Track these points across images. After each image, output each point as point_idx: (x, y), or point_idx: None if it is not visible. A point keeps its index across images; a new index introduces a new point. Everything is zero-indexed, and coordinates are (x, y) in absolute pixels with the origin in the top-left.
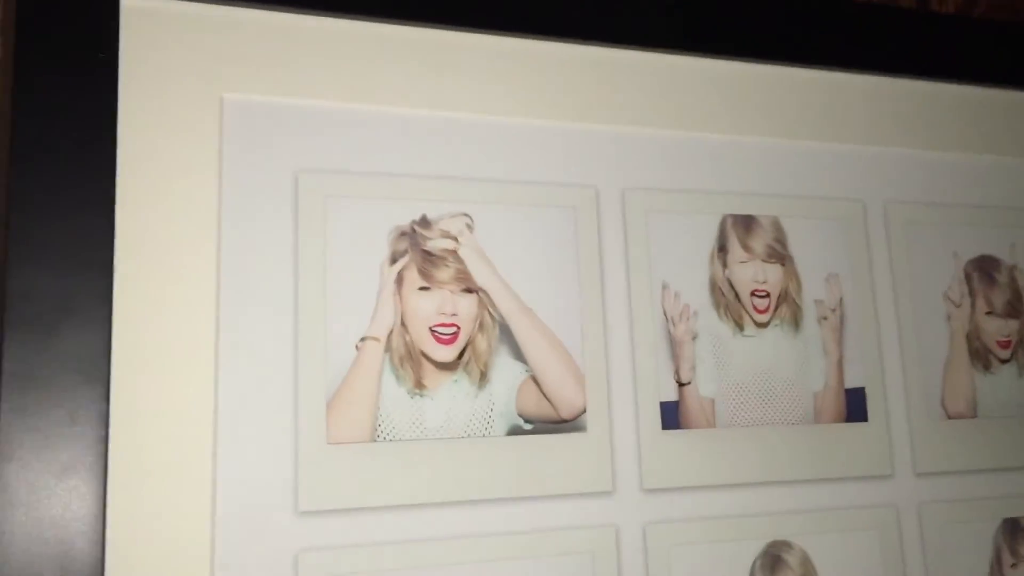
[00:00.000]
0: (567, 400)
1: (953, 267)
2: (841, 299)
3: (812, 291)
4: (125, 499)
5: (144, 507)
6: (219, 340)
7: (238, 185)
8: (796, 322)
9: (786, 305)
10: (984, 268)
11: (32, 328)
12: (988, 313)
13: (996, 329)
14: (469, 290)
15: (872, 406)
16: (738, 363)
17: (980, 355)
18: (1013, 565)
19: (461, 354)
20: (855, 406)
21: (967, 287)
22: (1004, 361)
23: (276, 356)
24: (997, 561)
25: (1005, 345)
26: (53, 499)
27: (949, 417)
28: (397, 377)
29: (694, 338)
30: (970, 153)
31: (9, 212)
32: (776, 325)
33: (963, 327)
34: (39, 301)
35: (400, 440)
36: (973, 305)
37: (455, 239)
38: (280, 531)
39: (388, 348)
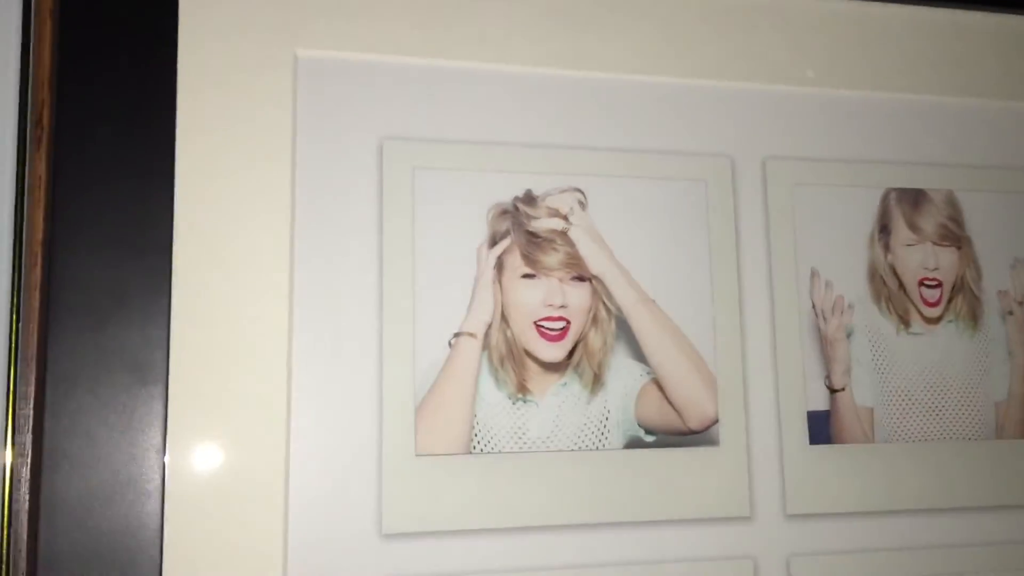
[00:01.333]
0: (696, 408)
1: None
2: None
3: (995, 280)
4: (184, 517)
5: (207, 526)
6: (292, 336)
7: (314, 156)
8: (974, 317)
9: (962, 297)
10: None
11: (81, 321)
12: None
13: None
14: (581, 278)
15: None
16: (902, 366)
17: None
18: None
19: (571, 353)
20: None
21: None
22: None
23: (358, 355)
24: None
25: None
26: (108, 513)
27: None
28: (496, 379)
29: (849, 335)
30: None
31: (55, 188)
32: (950, 321)
33: None
34: (89, 290)
35: (499, 452)
36: None
37: (565, 218)
38: (361, 557)
39: (486, 346)
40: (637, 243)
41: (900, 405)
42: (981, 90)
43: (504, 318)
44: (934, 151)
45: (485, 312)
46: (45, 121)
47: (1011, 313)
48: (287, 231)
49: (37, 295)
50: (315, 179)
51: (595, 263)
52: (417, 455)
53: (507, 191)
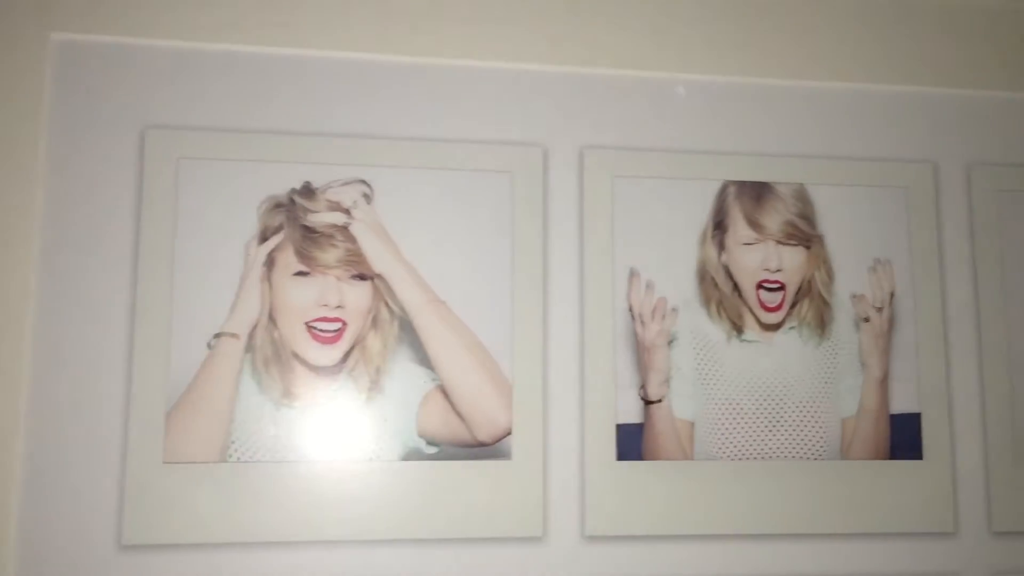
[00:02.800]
0: (486, 418)
1: None
2: (892, 294)
3: (849, 283)
4: None
5: None
6: (33, 336)
7: (68, 145)
8: (822, 324)
9: (809, 301)
10: None
11: None
12: None
13: None
14: (362, 276)
15: (931, 439)
16: (732, 376)
17: None
18: None
19: (347, 356)
20: (904, 438)
21: None
22: None
23: (106, 355)
24: None
25: None
26: None
27: None
28: (260, 384)
29: (671, 342)
30: None
31: None
32: (792, 328)
33: None
34: None
35: (259, 462)
36: None
37: (346, 212)
38: (98, 570)
39: (250, 348)
40: (430, 240)
41: (727, 419)
42: (838, 73)
43: (272, 318)
44: (782, 141)
45: (250, 312)
46: None
47: (867, 320)
48: (33, 224)
49: None
50: (68, 169)
51: (378, 261)
52: (165, 463)
53: (283, 183)
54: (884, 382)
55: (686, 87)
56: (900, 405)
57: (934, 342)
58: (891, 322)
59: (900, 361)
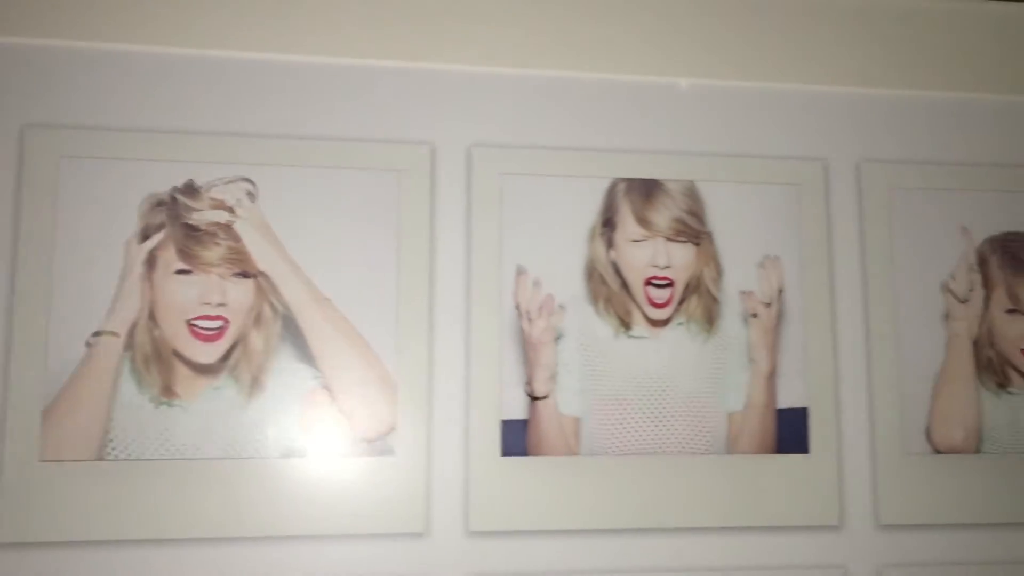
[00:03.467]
0: (369, 415)
1: (961, 248)
2: (780, 291)
3: (738, 280)
4: None
5: None
6: None
7: None
8: (710, 320)
9: (697, 297)
10: (1010, 249)
11: None
12: (1012, 311)
13: (1022, 334)
14: (245, 274)
15: (817, 433)
16: (620, 372)
17: (993, 368)
18: None
19: (228, 354)
20: (791, 432)
21: (980, 275)
22: None
23: None
24: None
25: None
26: None
27: (937, 451)
28: (139, 382)
29: (558, 339)
30: (990, 93)
31: None
32: (680, 324)
33: (969, 330)
34: None
35: (137, 459)
36: (988, 300)
37: (230, 210)
38: None
39: (130, 345)
40: (315, 238)
41: (614, 415)
42: (728, 71)
43: (152, 317)
44: (673, 138)
45: (130, 310)
46: None
47: (755, 316)
48: None
49: None
50: None
51: (262, 259)
52: (42, 461)
53: (165, 181)
54: (772, 377)
55: (576, 87)
56: (787, 400)
57: (822, 337)
58: (779, 318)
59: (788, 356)
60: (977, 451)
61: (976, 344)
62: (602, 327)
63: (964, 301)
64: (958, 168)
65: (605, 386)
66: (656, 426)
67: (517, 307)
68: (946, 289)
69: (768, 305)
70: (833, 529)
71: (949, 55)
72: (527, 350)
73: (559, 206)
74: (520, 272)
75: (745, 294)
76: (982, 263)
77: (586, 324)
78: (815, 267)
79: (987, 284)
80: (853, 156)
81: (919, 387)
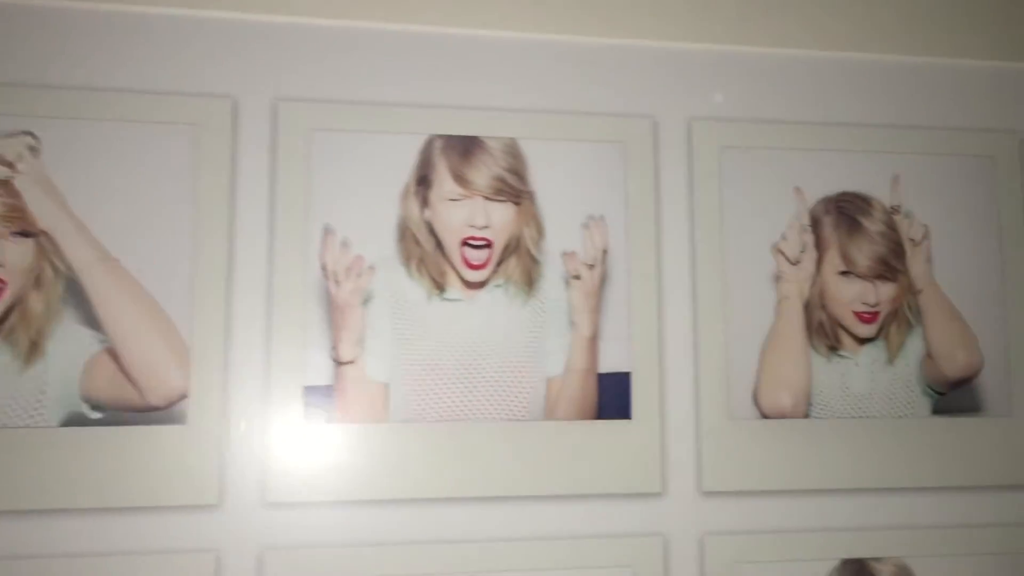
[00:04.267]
0: (158, 381)
1: (793, 208)
2: (605, 252)
3: (560, 240)
4: None
5: None
6: None
7: None
8: (530, 282)
9: (516, 259)
10: (845, 210)
11: None
12: (844, 273)
13: (856, 295)
14: (25, 233)
15: (640, 398)
16: (432, 336)
17: (825, 331)
18: None
19: (4, 318)
20: (613, 398)
21: (813, 236)
22: (864, 341)
23: None
24: None
25: (868, 318)
26: None
27: (764, 416)
28: None
29: (366, 302)
30: (821, 51)
31: None
32: (497, 286)
33: (800, 292)
34: None
35: None
36: (820, 262)
37: (10, 166)
38: None
39: None
40: (104, 195)
41: (426, 380)
42: (553, 26)
43: None
44: (493, 94)
45: None
46: None
47: (578, 278)
48: None
49: None
50: None
51: (44, 217)
52: None
53: None
54: (593, 341)
55: (388, 40)
56: (610, 364)
57: (647, 300)
58: (603, 280)
59: (611, 319)
60: (806, 416)
61: (807, 307)
62: (414, 289)
63: (795, 263)
64: (791, 127)
65: (417, 351)
66: (471, 392)
67: (324, 268)
68: (777, 251)
69: (591, 267)
70: (655, 496)
71: (779, 10)
72: (333, 313)
73: (371, 163)
74: (328, 232)
75: (567, 255)
76: (815, 224)
77: (397, 286)
78: (641, 228)
79: (820, 245)
80: (683, 113)
81: (747, 351)
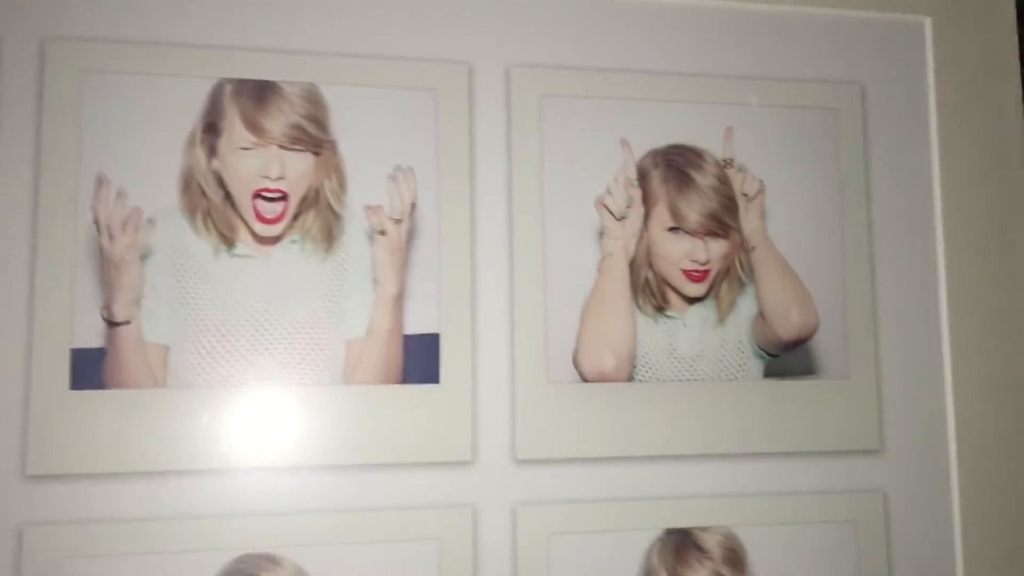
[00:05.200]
0: None
1: (619, 161)
2: (413, 205)
3: (364, 193)
4: None
5: None
6: None
7: None
8: (329, 237)
9: (315, 213)
10: (674, 163)
11: None
12: (673, 230)
13: (685, 253)
14: None
15: (450, 361)
16: (220, 295)
17: (651, 290)
18: None
19: None
20: (421, 361)
21: (640, 191)
22: (693, 300)
23: None
24: None
25: (698, 277)
26: None
27: (585, 379)
28: None
29: (144, 257)
30: None
31: None
32: (293, 242)
33: (626, 249)
34: None
35: None
36: (647, 218)
37: None
38: None
39: None
40: None
41: (211, 343)
42: None
43: None
44: (291, 36)
45: None
46: None
47: (383, 233)
48: None
49: None
50: None
51: None
52: None
53: None
54: (399, 300)
55: None
56: (417, 325)
57: (459, 257)
58: (411, 235)
59: (419, 278)
60: (630, 379)
61: (633, 265)
62: (200, 244)
63: (621, 218)
64: (618, 75)
65: (201, 310)
66: (261, 355)
67: (96, 221)
68: (601, 205)
69: (398, 221)
70: (464, 465)
71: None
72: (107, 269)
73: (152, 108)
74: (101, 181)
75: (371, 209)
76: (642, 177)
77: (180, 241)
78: (454, 180)
79: (647, 200)
80: (501, 60)
81: (567, 311)
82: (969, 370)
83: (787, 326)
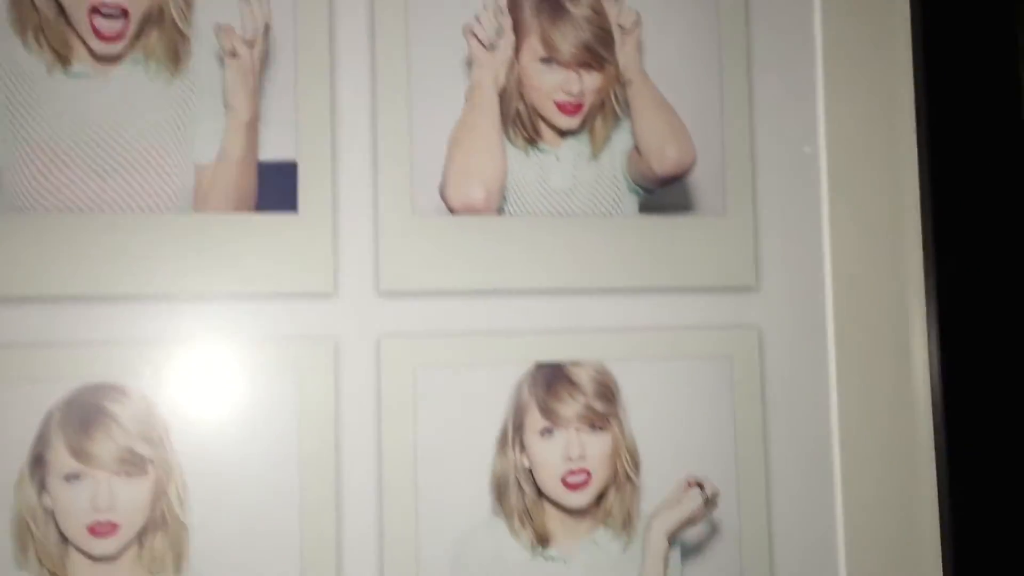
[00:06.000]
0: None
1: None
2: (268, 27)
3: (213, 12)
4: None
5: None
6: None
7: None
8: (175, 59)
9: (159, 31)
10: None
11: None
12: (545, 60)
13: (557, 84)
14: None
15: (309, 191)
16: (55, 116)
17: (523, 122)
18: (546, 431)
19: None
20: (277, 190)
21: (511, 19)
22: (566, 133)
23: None
24: (516, 425)
25: (571, 110)
26: None
27: (453, 211)
28: None
29: None
30: None
31: None
32: (136, 62)
33: (495, 79)
34: None
35: None
36: (518, 48)
37: None
38: None
39: None
40: None
41: (45, 167)
42: None
43: None
44: None
45: None
46: None
47: (234, 55)
48: None
49: None
50: None
51: None
52: None
53: None
54: (252, 125)
55: None
56: (272, 152)
57: (317, 82)
58: (265, 58)
59: (275, 103)
60: (500, 212)
61: (503, 95)
62: (32, 62)
63: (490, 47)
64: None
65: (35, 133)
66: (102, 180)
67: None
68: (469, 33)
69: (251, 43)
70: (325, 296)
71: None
72: None
73: None
74: None
75: (222, 29)
76: (513, 6)
77: (9, 57)
78: (312, 1)
79: (519, 30)
80: None
81: (434, 141)
82: (846, 207)
83: (663, 161)
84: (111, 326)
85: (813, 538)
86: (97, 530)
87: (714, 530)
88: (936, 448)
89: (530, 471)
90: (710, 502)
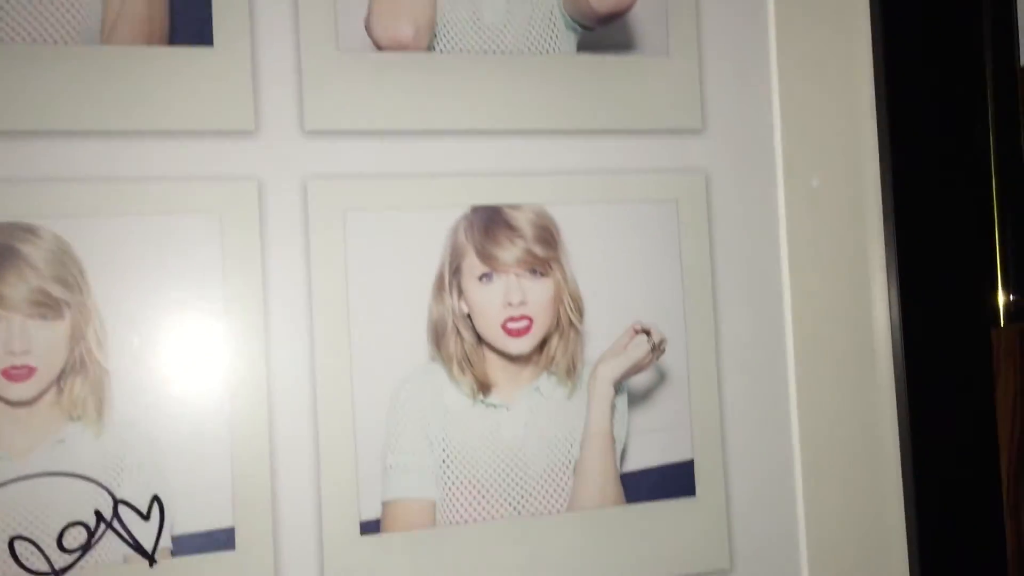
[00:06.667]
0: None
1: None
2: None
3: None
4: None
5: None
6: None
7: None
8: None
9: None
10: None
11: None
12: None
13: None
14: None
15: (224, 21)
16: None
17: None
18: (485, 277)
19: None
20: (191, 21)
21: None
22: None
23: None
24: (453, 270)
25: None
26: None
27: (380, 48)
28: None
29: None
30: None
31: None
32: None
33: None
34: None
35: None
36: None
37: None
38: None
39: None
40: None
41: None
42: None
43: None
44: None
45: None
46: None
47: None
48: None
49: None
50: None
51: None
52: None
53: None
54: None
55: None
56: None
57: None
58: None
59: None
60: (430, 48)
61: None
62: None
63: None
64: None
65: None
66: (0, 10)
67: None
68: None
69: None
70: (246, 135)
71: None
72: None
73: None
74: None
75: None
76: None
77: None
78: None
79: None
80: None
81: None
82: (795, 46)
83: None
84: (17, 163)
85: (763, 382)
86: (11, 374)
87: (662, 377)
88: (887, 268)
89: (469, 317)
90: (657, 348)
